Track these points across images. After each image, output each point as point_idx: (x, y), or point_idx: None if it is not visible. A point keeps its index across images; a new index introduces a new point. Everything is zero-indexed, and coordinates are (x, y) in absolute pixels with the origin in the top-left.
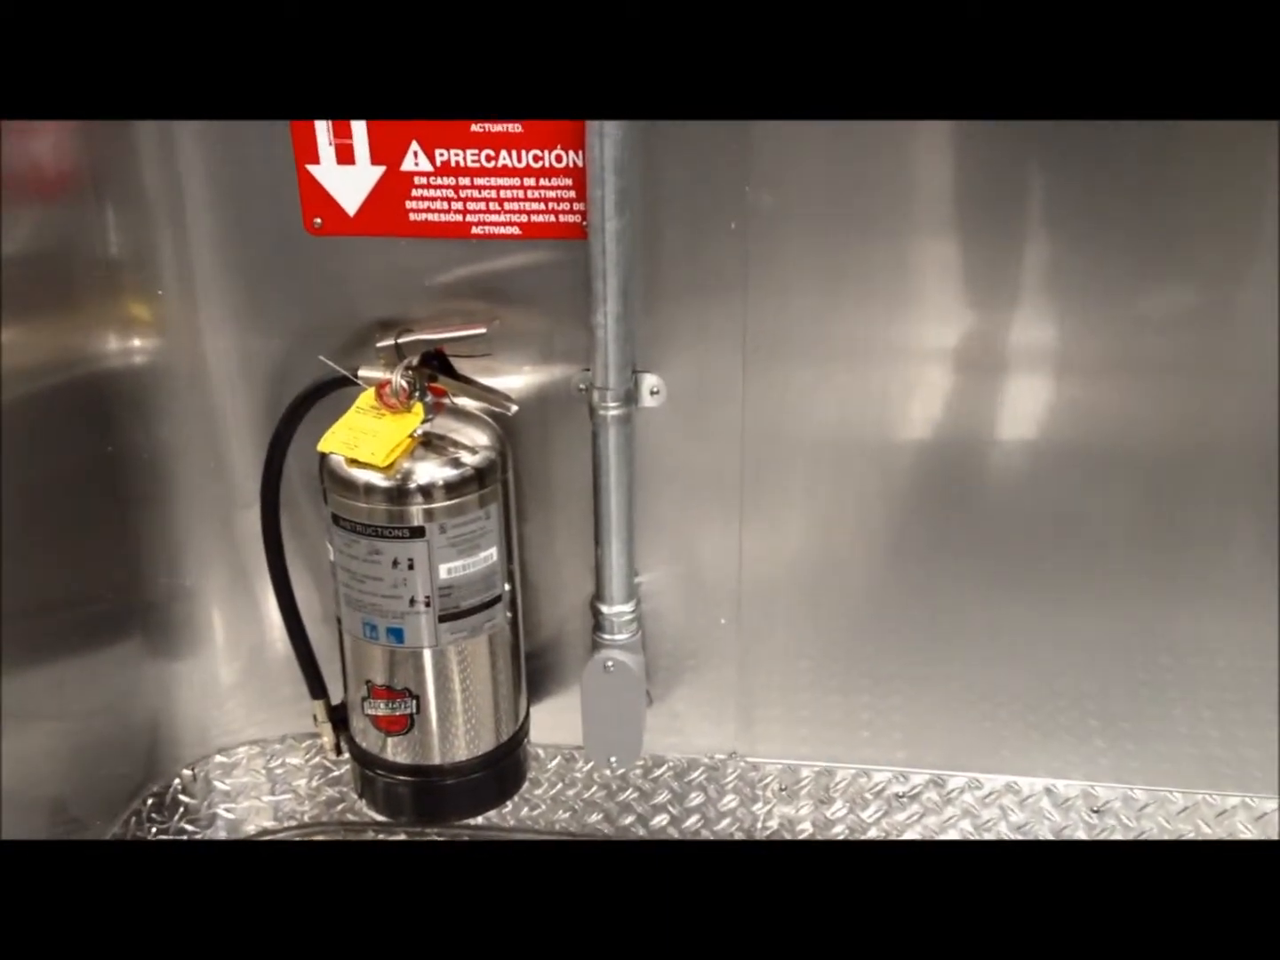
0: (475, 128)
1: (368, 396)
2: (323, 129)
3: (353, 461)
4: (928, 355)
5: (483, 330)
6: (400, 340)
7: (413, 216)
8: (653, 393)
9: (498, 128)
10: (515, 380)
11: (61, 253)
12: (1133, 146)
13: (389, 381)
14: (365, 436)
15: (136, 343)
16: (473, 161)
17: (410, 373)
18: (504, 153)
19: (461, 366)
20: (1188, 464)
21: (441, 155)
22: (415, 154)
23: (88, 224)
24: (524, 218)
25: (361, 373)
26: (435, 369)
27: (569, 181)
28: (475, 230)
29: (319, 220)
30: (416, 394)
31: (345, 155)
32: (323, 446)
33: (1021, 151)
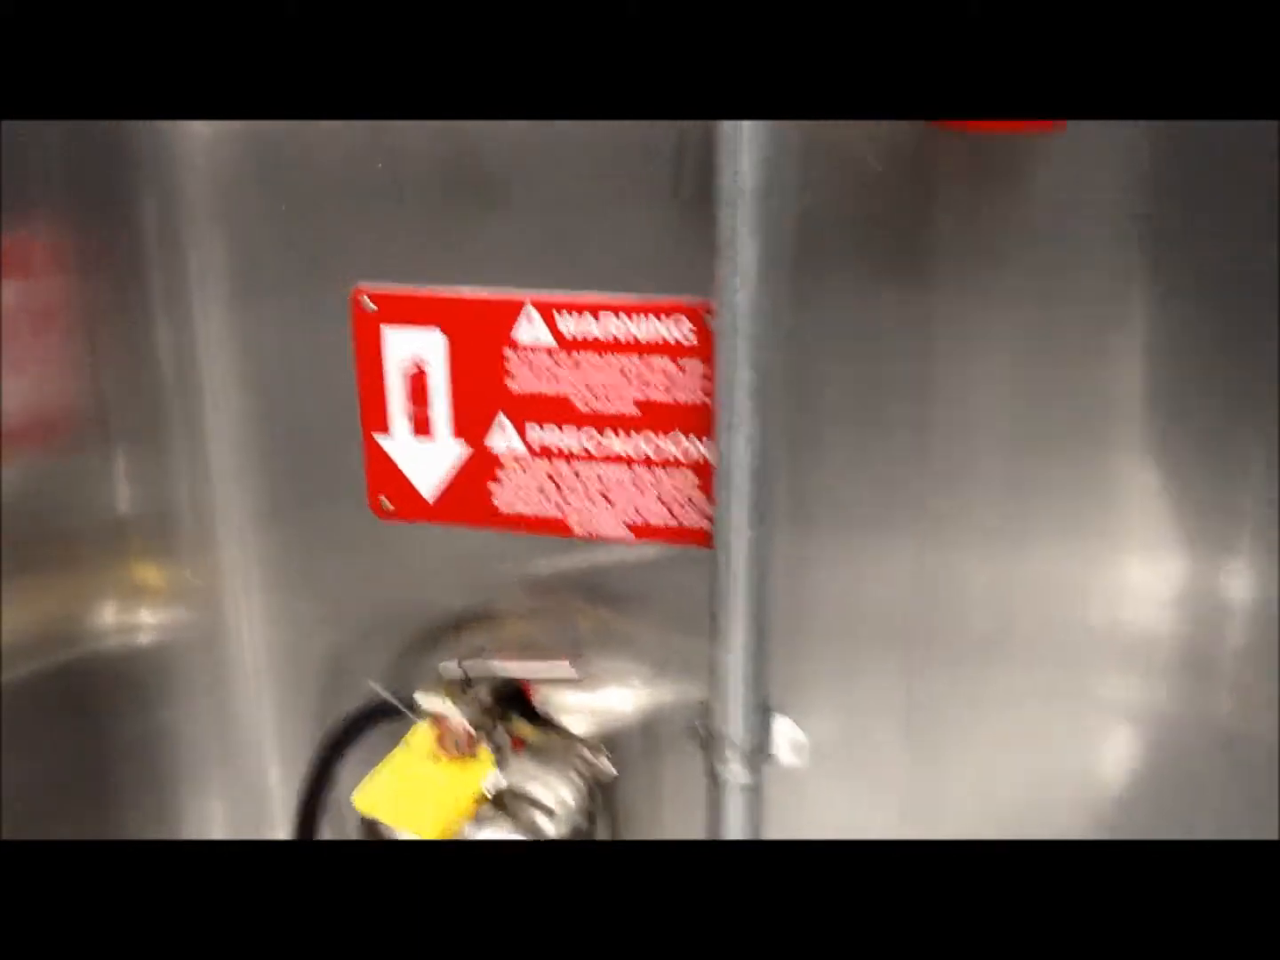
0: (579, 404)
1: (423, 734)
2: (396, 393)
3: None
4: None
5: (573, 673)
6: (468, 668)
7: (501, 508)
8: (792, 745)
9: (609, 409)
10: (618, 698)
11: (60, 508)
12: None
13: (449, 722)
14: (414, 794)
15: (144, 618)
16: (573, 445)
17: (479, 714)
18: (611, 435)
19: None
20: None
21: (534, 433)
22: (502, 426)
23: (92, 474)
24: (636, 518)
25: (419, 699)
26: (511, 706)
27: (693, 476)
28: (576, 529)
29: (387, 502)
30: (483, 738)
31: (422, 426)
32: (360, 804)
33: (1242, 357)
